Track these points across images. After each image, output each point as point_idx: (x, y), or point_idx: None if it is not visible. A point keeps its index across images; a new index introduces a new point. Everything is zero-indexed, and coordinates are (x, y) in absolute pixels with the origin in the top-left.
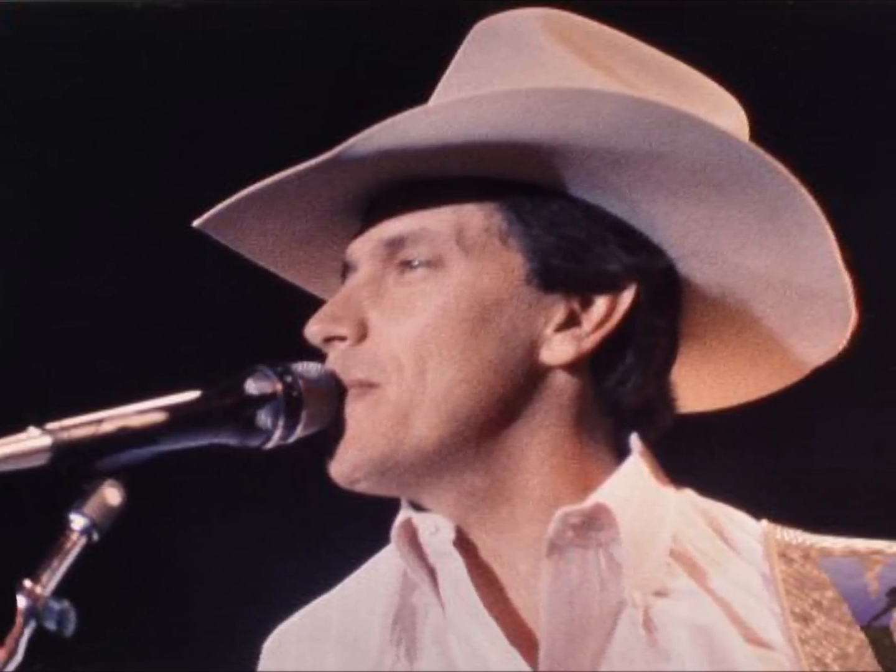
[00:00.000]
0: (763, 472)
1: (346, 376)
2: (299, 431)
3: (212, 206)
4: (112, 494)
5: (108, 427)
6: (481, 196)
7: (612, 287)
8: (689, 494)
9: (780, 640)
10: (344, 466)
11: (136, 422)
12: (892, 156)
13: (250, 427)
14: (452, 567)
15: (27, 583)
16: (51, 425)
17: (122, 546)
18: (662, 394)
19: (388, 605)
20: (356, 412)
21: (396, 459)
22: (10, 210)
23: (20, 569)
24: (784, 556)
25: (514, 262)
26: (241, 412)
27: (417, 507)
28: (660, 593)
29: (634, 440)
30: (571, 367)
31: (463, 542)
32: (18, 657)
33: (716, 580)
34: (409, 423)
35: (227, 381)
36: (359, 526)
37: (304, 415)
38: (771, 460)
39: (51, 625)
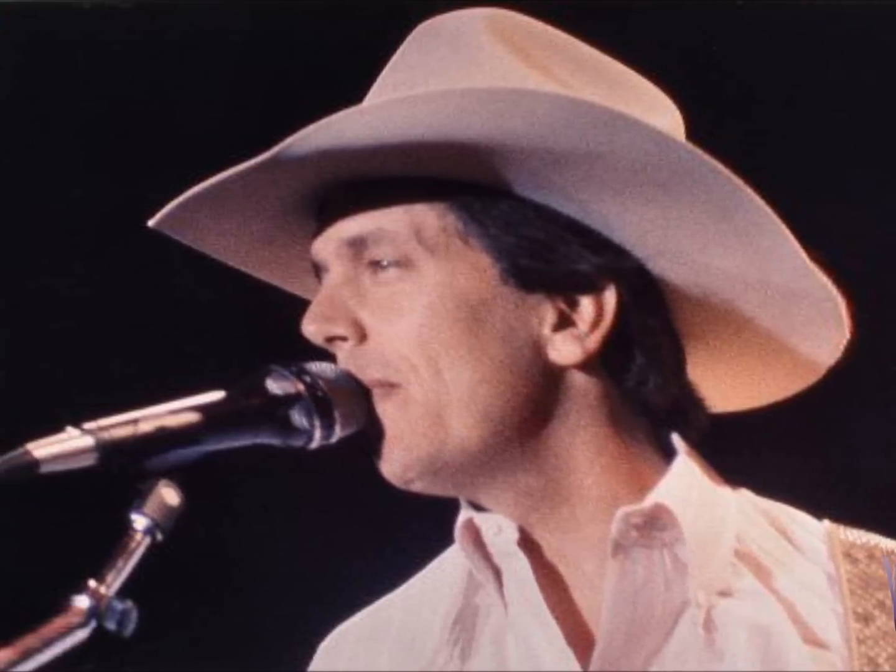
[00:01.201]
0: (812, 472)
1: (364, 376)
2: (339, 431)
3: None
4: (170, 494)
5: (145, 427)
6: (430, 196)
7: (591, 287)
8: (746, 494)
9: (837, 640)
10: (395, 467)
11: (172, 422)
12: (834, 155)
13: (288, 427)
14: (518, 567)
15: (92, 583)
16: (88, 425)
17: (186, 546)
18: (688, 393)
19: (451, 605)
20: (389, 412)
21: (445, 459)
22: None
23: (77, 568)
24: (849, 555)
25: (482, 262)
26: (272, 412)
27: (478, 507)
28: (724, 593)
29: (677, 440)
30: (585, 367)
31: (527, 543)
32: (48, 656)
33: (781, 580)
34: (445, 422)
35: (247, 381)
36: (423, 525)
37: (337, 414)
38: (819, 459)
39: (111, 625)
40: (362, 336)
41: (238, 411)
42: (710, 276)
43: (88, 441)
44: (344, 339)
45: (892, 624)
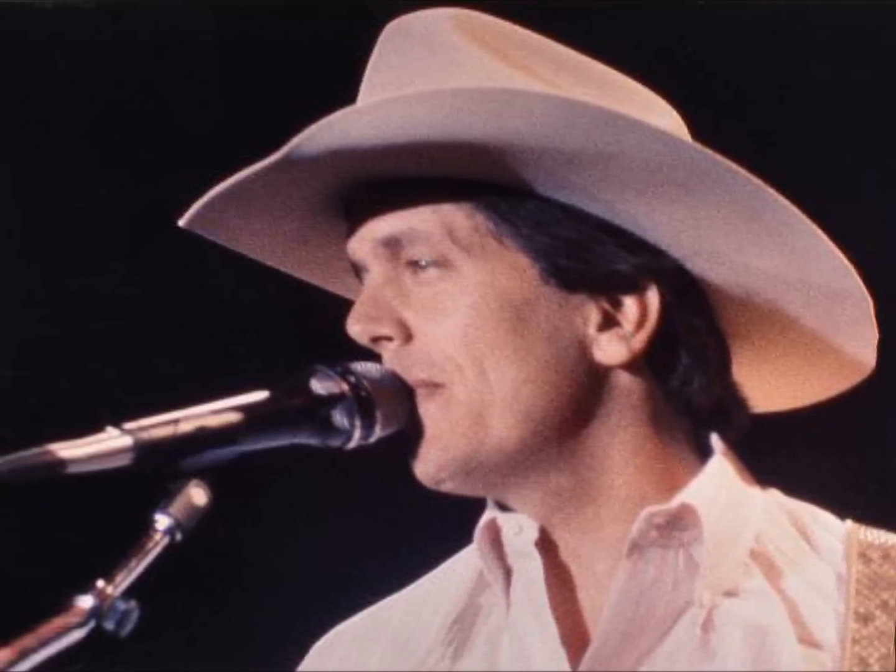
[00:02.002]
0: (848, 472)
1: (409, 376)
2: (378, 431)
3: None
4: (198, 494)
5: (185, 427)
6: (456, 196)
7: (633, 287)
8: (775, 494)
9: (832, 640)
10: (429, 467)
11: (213, 422)
12: (834, 155)
13: (328, 427)
14: (530, 567)
15: (100, 583)
16: (128, 425)
17: (204, 546)
18: (731, 393)
19: (453, 605)
20: (430, 412)
21: (480, 459)
22: None
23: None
24: (864, 555)
25: (521, 262)
26: (314, 412)
27: (503, 508)
28: (730, 593)
29: (716, 440)
30: (630, 367)
31: (544, 543)
32: (45, 655)
33: (790, 580)
34: (485, 422)
35: (291, 381)
36: (444, 526)
37: (378, 414)
38: (855, 460)
39: (110, 625)
40: (408, 336)
41: (280, 411)
42: (751, 276)
43: (127, 441)
44: (389, 339)
45: (892, 624)
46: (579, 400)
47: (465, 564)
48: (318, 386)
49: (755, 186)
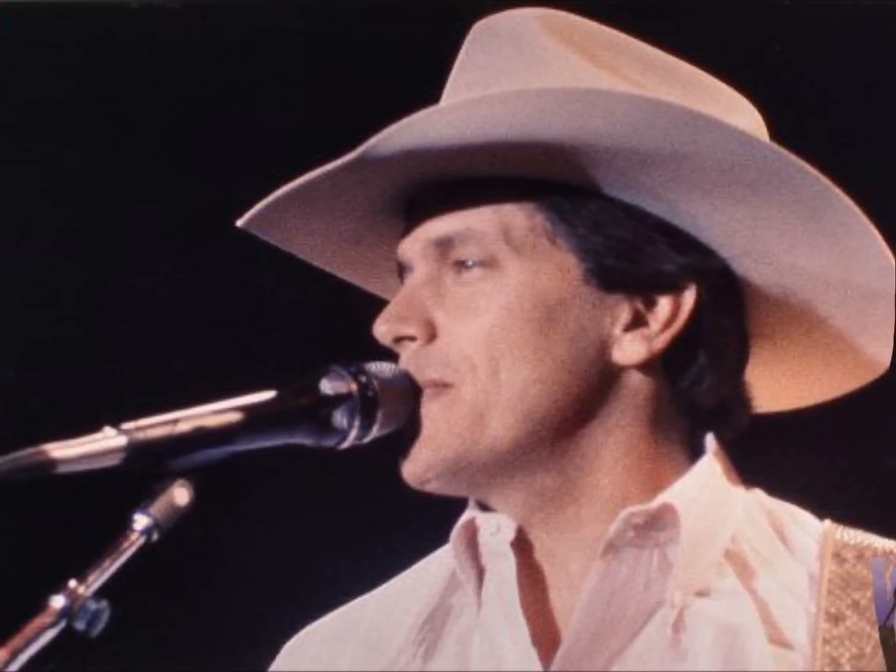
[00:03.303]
0: (836, 472)
1: (421, 376)
2: (375, 431)
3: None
4: (181, 494)
5: (183, 427)
6: (519, 196)
7: (672, 287)
8: (758, 494)
9: (803, 640)
10: (417, 466)
11: (212, 422)
12: None
13: (326, 427)
14: (503, 567)
15: (72, 583)
16: (126, 425)
17: (178, 545)
18: (738, 394)
19: (424, 605)
20: (432, 412)
21: (470, 460)
22: (31, 211)
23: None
24: (838, 555)
25: (567, 262)
26: (317, 412)
27: (484, 508)
28: (701, 593)
29: (710, 440)
30: (645, 366)
31: (520, 543)
32: (26, 656)
33: (762, 580)
34: (484, 423)
35: (302, 380)
36: (422, 527)
37: (379, 414)
38: (845, 460)
39: (80, 625)
40: (431, 336)
41: (282, 411)
42: (794, 276)
43: (121, 441)
44: (413, 339)
45: (862, 624)
46: (584, 400)
47: (438, 565)
48: (328, 386)
49: (823, 186)
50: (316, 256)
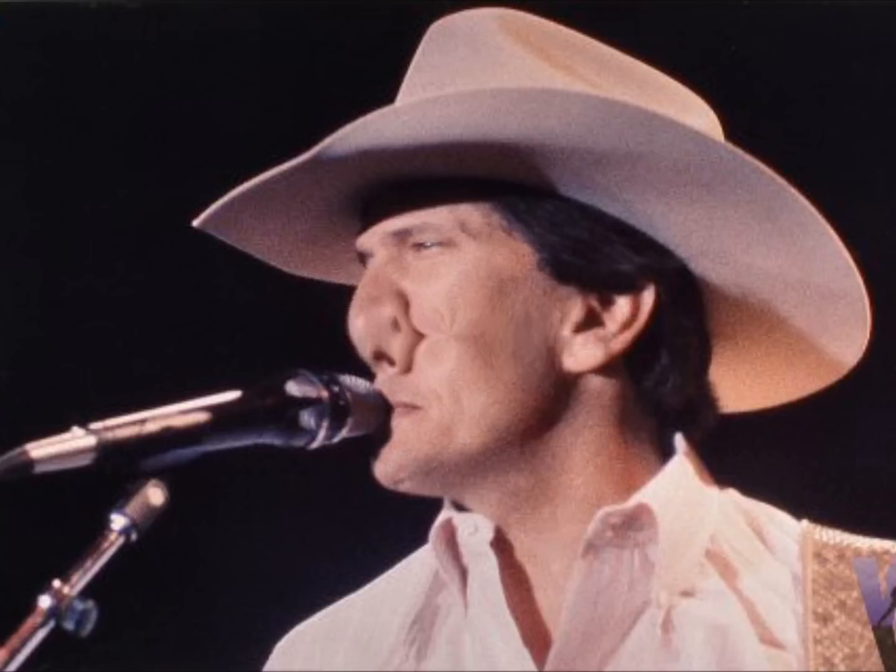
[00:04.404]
0: (808, 472)
1: (392, 398)
2: (344, 433)
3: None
4: (155, 494)
5: (151, 427)
6: (475, 196)
7: (630, 287)
8: (732, 494)
9: (794, 640)
10: (389, 466)
11: (180, 422)
12: (864, 153)
13: (294, 427)
14: (485, 567)
15: (56, 583)
16: (94, 425)
17: (158, 545)
18: (703, 394)
19: (411, 606)
20: (402, 424)
21: (441, 460)
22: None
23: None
24: (819, 556)
25: (523, 250)
26: (284, 412)
27: (459, 508)
28: (686, 593)
29: (679, 440)
30: (605, 369)
31: (500, 543)
32: (22, 656)
33: (746, 580)
34: (452, 433)
35: (267, 381)
36: (399, 526)
37: (349, 420)
38: (815, 460)
39: (69, 625)
40: (406, 306)
41: (249, 411)
42: (752, 277)
43: (90, 441)
44: (391, 363)
45: (852, 624)
46: (545, 410)
47: (420, 565)
48: (295, 389)
49: (778, 186)
50: (273, 256)
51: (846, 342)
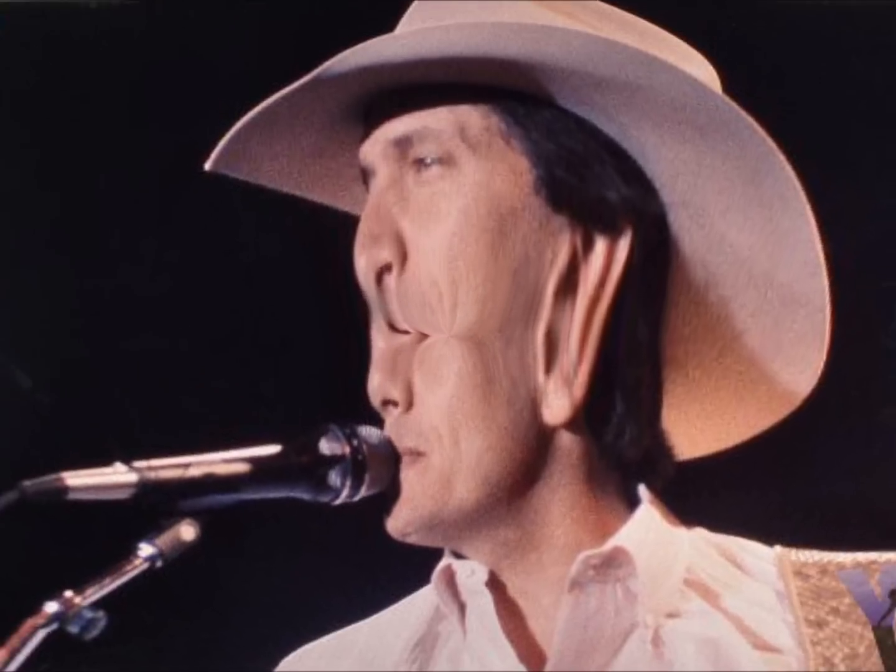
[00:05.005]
0: (771, 505)
1: (400, 444)
2: (363, 491)
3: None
4: (188, 532)
5: (194, 472)
6: (475, 98)
7: (611, 226)
8: (700, 532)
9: (790, 644)
10: (398, 522)
11: (222, 470)
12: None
13: (322, 485)
14: (481, 602)
15: (68, 592)
16: (138, 463)
17: (181, 569)
18: (659, 443)
19: (414, 631)
20: (409, 477)
21: (442, 517)
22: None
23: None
24: (800, 573)
25: (520, 165)
26: (315, 470)
27: (458, 556)
28: (672, 615)
29: (642, 490)
30: (571, 425)
31: (494, 583)
32: (21, 657)
33: (729, 600)
34: (451, 486)
35: (304, 438)
36: (405, 571)
37: (367, 477)
38: (777, 493)
39: (74, 629)
40: (404, 257)
41: (286, 467)
42: (721, 255)
43: (131, 478)
44: (395, 404)
45: (850, 625)
46: (528, 464)
47: (423, 600)
48: (326, 446)
49: (768, 149)
50: (283, 181)
51: (800, 367)
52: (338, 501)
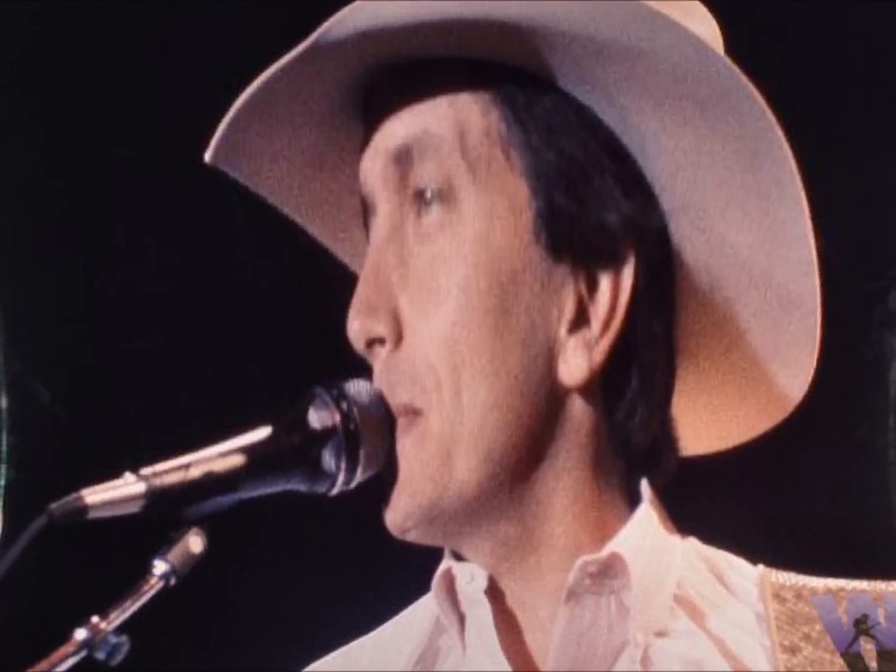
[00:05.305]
0: (760, 519)
1: (393, 399)
2: (359, 474)
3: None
4: (196, 543)
5: (195, 472)
6: (474, 84)
7: (614, 257)
8: (693, 542)
9: (766, 670)
10: (397, 515)
11: (220, 466)
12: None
13: (318, 470)
14: (480, 613)
15: (94, 618)
16: (144, 470)
17: (192, 586)
18: (666, 432)
19: (415, 647)
20: (406, 450)
21: (442, 507)
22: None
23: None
24: (778, 596)
25: (520, 196)
26: (309, 452)
27: (458, 558)
28: (661, 634)
29: (644, 487)
30: (585, 391)
31: (493, 591)
32: None
33: (713, 621)
34: (451, 463)
35: (292, 413)
36: (405, 574)
37: (361, 454)
38: (767, 507)
39: (101, 655)
40: (398, 338)
41: (278, 452)
42: (723, 258)
43: (140, 488)
44: (382, 341)
45: (820, 653)
46: (535, 436)
47: (423, 611)
48: (315, 417)
49: (768, 123)
50: (284, 195)
51: (794, 371)
52: (335, 490)
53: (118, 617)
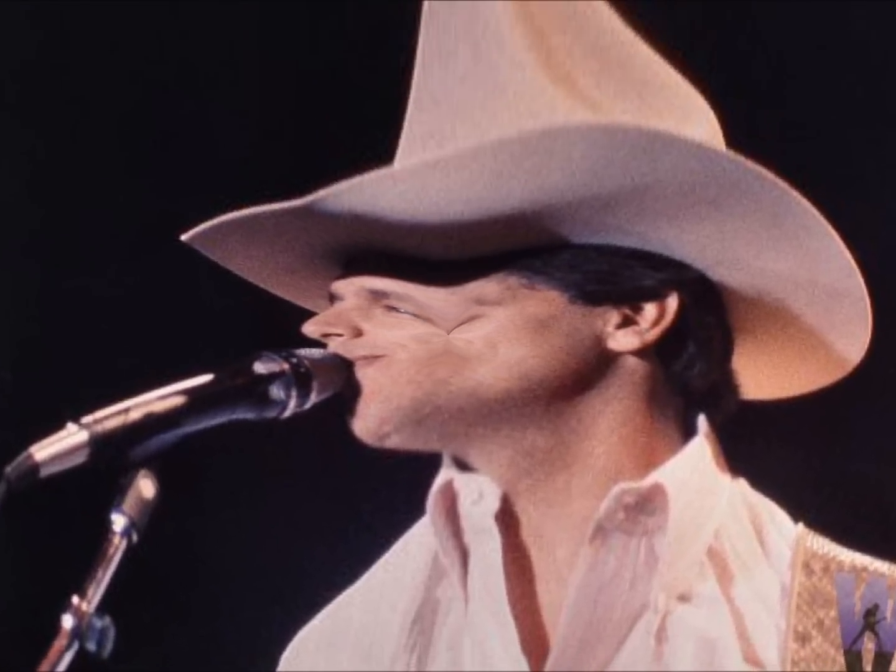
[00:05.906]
0: (810, 472)
1: (350, 355)
2: (313, 398)
3: (193, 222)
4: (146, 486)
5: (135, 415)
6: (481, 273)
7: (655, 296)
8: (742, 485)
9: (774, 660)
10: (369, 422)
11: (160, 406)
12: (862, 149)
13: (265, 400)
14: (487, 549)
15: (75, 599)
16: (85, 419)
17: (156, 550)
18: (727, 380)
19: (410, 601)
20: (369, 374)
21: (438, 404)
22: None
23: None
24: (807, 566)
25: (551, 295)
26: (254, 389)
27: (461, 467)
28: (683, 598)
29: (702, 421)
30: (639, 353)
31: (505, 517)
32: None
33: (740, 587)
34: (463, 367)
35: (236, 364)
36: (392, 494)
37: (315, 384)
38: (818, 459)
39: (92, 646)
40: (357, 334)
41: (221, 391)
42: (765, 279)
43: (83, 436)
44: (340, 335)
45: (826, 647)
46: (582, 373)
47: (418, 545)
48: (261, 367)
49: (781, 191)
50: (252, 276)
51: (851, 340)
52: (287, 413)
53: (95, 592)
